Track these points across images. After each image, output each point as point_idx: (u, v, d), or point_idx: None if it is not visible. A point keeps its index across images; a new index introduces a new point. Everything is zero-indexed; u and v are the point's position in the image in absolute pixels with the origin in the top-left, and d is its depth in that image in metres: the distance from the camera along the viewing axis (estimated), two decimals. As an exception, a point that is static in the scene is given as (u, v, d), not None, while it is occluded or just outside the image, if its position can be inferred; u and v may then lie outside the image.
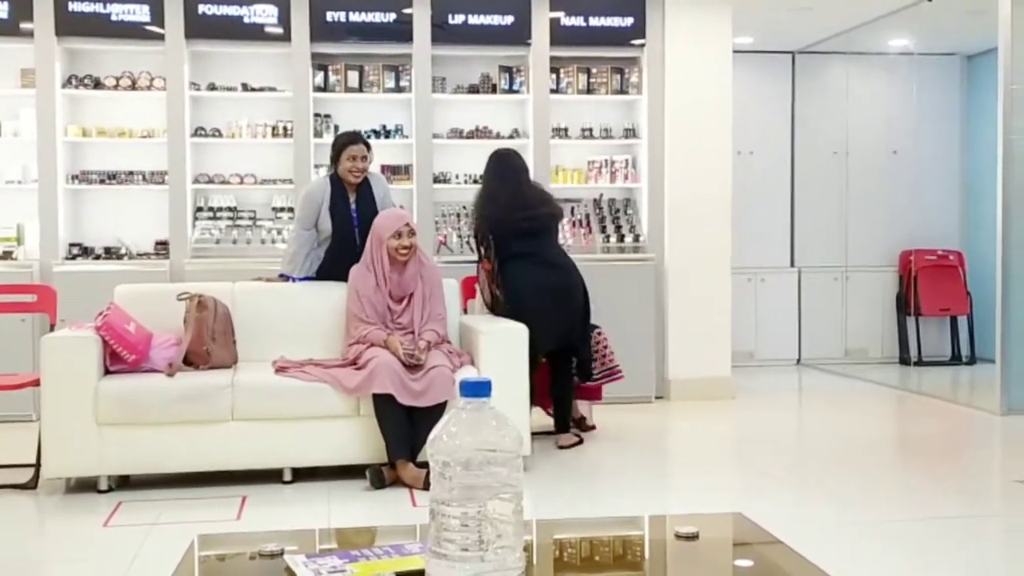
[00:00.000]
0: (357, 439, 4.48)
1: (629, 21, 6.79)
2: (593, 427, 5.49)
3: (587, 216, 6.83)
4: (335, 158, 4.98)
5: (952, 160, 8.68)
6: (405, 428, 4.35)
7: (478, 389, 1.46)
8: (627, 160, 6.93)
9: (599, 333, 5.47)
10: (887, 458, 5.33)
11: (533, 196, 5.22)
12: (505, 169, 5.25)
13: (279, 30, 6.48)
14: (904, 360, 8.37)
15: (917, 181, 8.51)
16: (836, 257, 8.50)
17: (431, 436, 1.43)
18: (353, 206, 4.98)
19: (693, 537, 1.82)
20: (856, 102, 8.56)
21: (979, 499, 4.45)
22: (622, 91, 6.90)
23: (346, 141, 4.99)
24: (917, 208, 8.53)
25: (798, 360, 8.47)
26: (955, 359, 8.38)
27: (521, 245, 5.08)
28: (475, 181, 5.72)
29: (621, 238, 6.75)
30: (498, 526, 1.39)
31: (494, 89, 6.83)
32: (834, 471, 4.83)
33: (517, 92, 6.80)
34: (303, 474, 4.50)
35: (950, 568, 3.42)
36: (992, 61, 6.47)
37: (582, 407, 5.44)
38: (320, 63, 6.61)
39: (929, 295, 8.32)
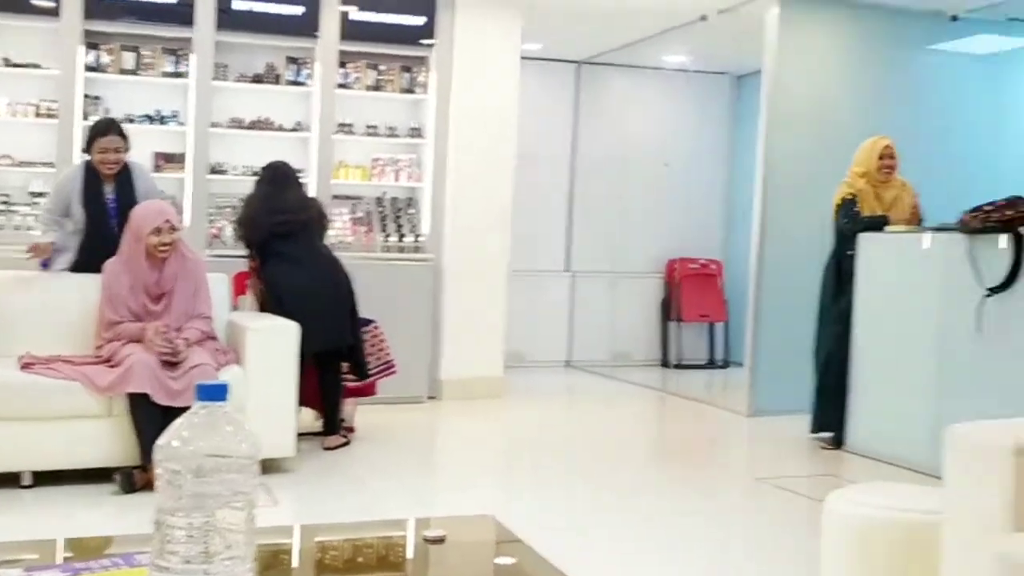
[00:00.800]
0: (108, 440, 4.22)
1: (420, 20, 6.82)
2: (352, 429, 5.44)
3: (368, 214, 6.80)
4: (87, 148, 4.76)
5: (719, 174, 9.20)
6: (161, 429, 4.16)
7: (213, 393, 1.43)
8: (412, 159, 6.95)
9: (376, 327, 5.49)
10: (642, 457, 5.60)
11: (290, 201, 5.24)
12: (267, 175, 5.34)
13: (48, 3, 6.09)
14: (665, 363, 8.83)
15: (686, 193, 9.00)
16: (608, 263, 8.85)
17: (159, 442, 1.39)
18: (111, 196, 4.73)
19: (440, 541, 1.86)
20: (634, 114, 8.94)
21: (725, 495, 4.76)
22: (410, 90, 6.91)
23: (97, 132, 4.74)
24: (685, 219, 9.02)
25: (567, 362, 8.77)
26: (711, 363, 8.92)
27: (280, 246, 5.10)
28: (254, 173, 5.60)
29: (401, 237, 6.77)
30: (227, 536, 1.37)
31: (278, 80, 6.68)
32: (593, 470, 5.03)
33: (303, 84, 6.68)
34: (45, 478, 4.20)
35: (694, 562, 3.64)
36: (758, 82, 6.91)
37: (346, 408, 5.40)
38: (92, 41, 6.26)
39: (690, 302, 8.81)
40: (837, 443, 5.54)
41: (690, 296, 8.83)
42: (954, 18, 6.87)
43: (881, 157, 5.48)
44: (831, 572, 2.66)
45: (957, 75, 7.22)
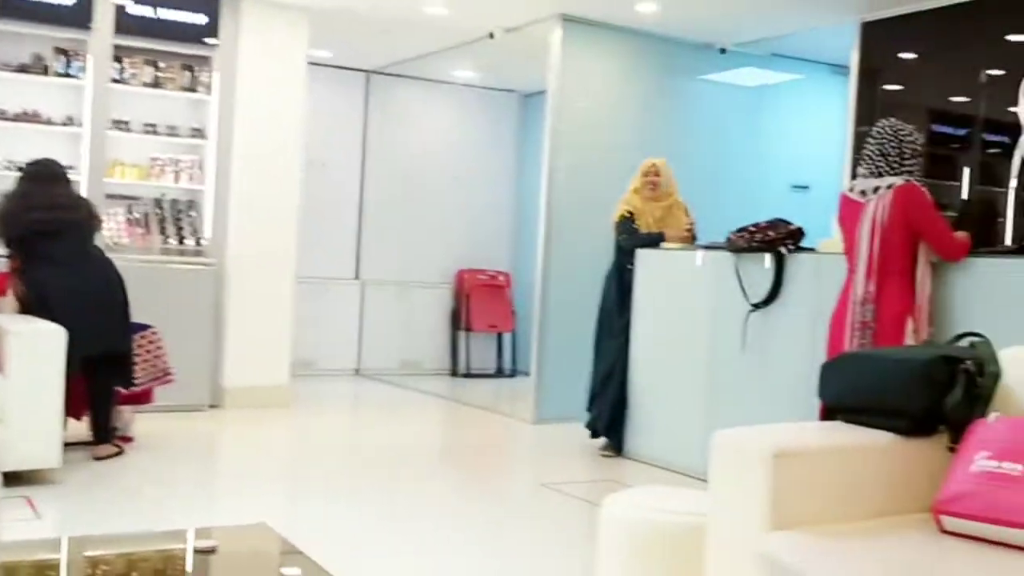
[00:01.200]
0: None
1: (202, 19, 6.58)
2: (130, 439, 5.20)
3: (146, 215, 6.51)
4: None
5: (507, 188, 9.39)
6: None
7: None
8: (194, 160, 6.70)
9: (153, 333, 5.27)
10: (428, 465, 5.62)
11: (57, 199, 4.96)
12: (31, 171, 5.06)
13: None
14: (455, 372, 8.92)
15: (475, 205, 9.14)
16: (398, 272, 8.85)
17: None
18: None
19: (211, 551, 1.80)
20: (424, 126, 9.00)
21: (509, 501, 4.85)
22: (192, 89, 6.67)
23: None
24: (474, 230, 9.15)
25: (357, 370, 8.70)
26: (499, 372, 9.08)
27: (46, 246, 4.82)
28: (19, 169, 5.25)
29: (182, 240, 6.51)
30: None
31: (47, 71, 6.29)
32: (378, 478, 5.01)
33: (74, 77, 6.32)
34: None
35: (476, 566, 3.68)
36: (544, 101, 7.10)
37: (120, 417, 5.15)
38: None
39: (479, 312, 8.94)
40: (617, 450, 5.75)
41: (479, 306, 8.96)
42: (723, 51, 7.33)
43: (645, 175, 5.75)
44: (606, 572, 2.76)
45: (727, 104, 7.70)
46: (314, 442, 6.00)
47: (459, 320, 8.99)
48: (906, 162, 4.06)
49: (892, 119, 4.19)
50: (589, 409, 5.85)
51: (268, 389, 6.66)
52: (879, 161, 4.08)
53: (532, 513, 4.62)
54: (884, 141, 4.09)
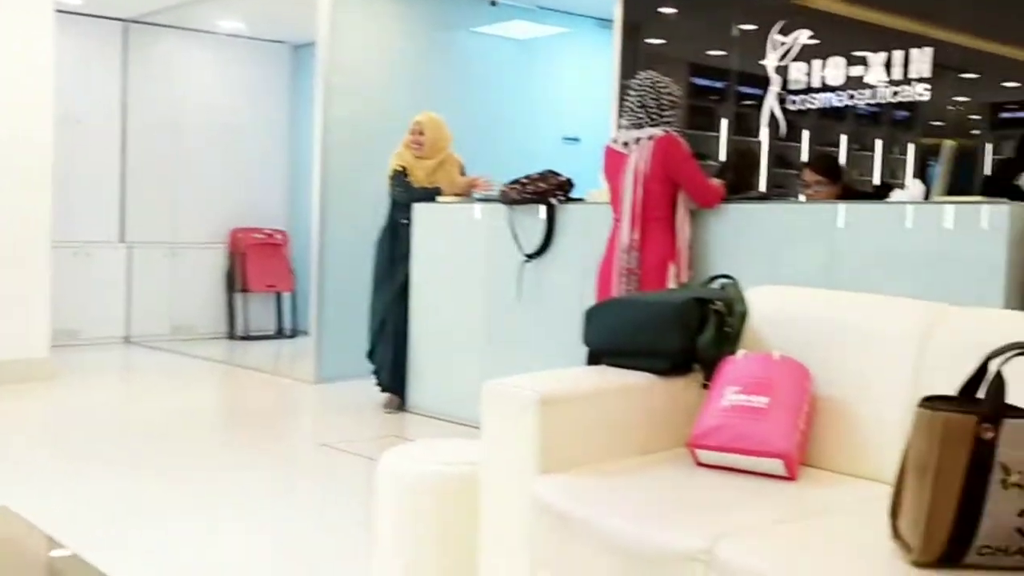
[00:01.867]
0: None
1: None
2: None
3: None
4: None
5: (281, 144, 9.13)
6: None
7: None
8: (-72, 117, 6.14)
9: None
10: (205, 432, 5.45)
11: None
12: None
13: None
14: (232, 335, 8.66)
15: (247, 162, 8.84)
16: (167, 233, 8.47)
17: None
18: None
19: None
20: (190, 79, 8.60)
21: (289, 463, 4.77)
22: (-79, 39, 6.09)
23: None
24: (247, 188, 8.86)
25: (126, 338, 8.29)
26: (280, 333, 8.89)
27: None
28: None
29: (-82, 205, 5.96)
30: None
31: None
32: (150, 449, 4.81)
33: None
34: None
35: (256, 530, 3.61)
36: (315, 53, 6.91)
37: None
38: None
39: (256, 272, 8.70)
40: (400, 405, 5.76)
41: (256, 266, 8.71)
42: (493, 3, 7.36)
43: (411, 133, 5.74)
44: (384, 526, 2.77)
45: (499, 57, 7.77)
46: (78, 416, 5.67)
47: (235, 281, 8.71)
48: (665, 113, 4.23)
49: (651, 71, 4.35)
50: (372, 364, 5.85)
51: (26, 362, 6.24)
52: (639, 112, 4.23)
53: (312, 473, 4.57)
54: (644, 93, 4.24)
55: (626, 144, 4.25)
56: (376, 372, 5.84)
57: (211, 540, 3.52)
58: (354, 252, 6.31)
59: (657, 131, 4.18)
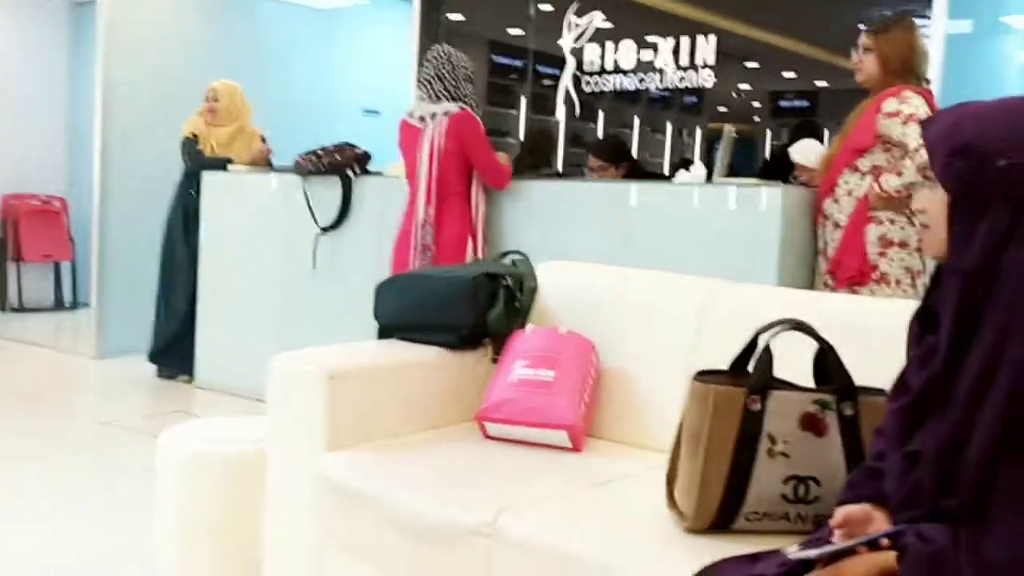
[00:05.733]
0: None
1: None
2: None
3: None
4: None
5: (58, 106, 8.55)
6: None
7: None
8: None
9: None
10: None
11: None
12: None
13: None
14: (3, 307, 8.10)
15: (19, 124, 8.23)
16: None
17: None
18: None
19: None
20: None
21: (67, 444, 4.50)
22: None
23: None
24: (21, 152, 8.25)
25: None
26: (59, 305, 8.38)
27: None
28: None
29: None
30: None
31: None
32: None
33: None
34: None
35: (33, 519, 3.39)
36: (96, 12, 6.51)
37: None
38: None
39: (32, 241, 8.15)
40: (188, 380, 5.56)
41: (31, 234, 8.15)
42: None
43: (206, 100, 5.56)
44: (165, 506, 2.66)
45: (298, 26, 7.56)
46: None
47: (7, 250, 8.13)
48: (461, 87, 4.22)
49: (446, 45, 4.34)
50: (156, 341, 5.61)
51: None
52: (436, 85, 4.21)
53: (91, 453, 4.33)
54: (440, 65, 4.22)
55: (422, 118, 4.22)
56: (165, 352, 5.61)
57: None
58: (139, 221, 6.03)
59: (453, 107, 4.17)
